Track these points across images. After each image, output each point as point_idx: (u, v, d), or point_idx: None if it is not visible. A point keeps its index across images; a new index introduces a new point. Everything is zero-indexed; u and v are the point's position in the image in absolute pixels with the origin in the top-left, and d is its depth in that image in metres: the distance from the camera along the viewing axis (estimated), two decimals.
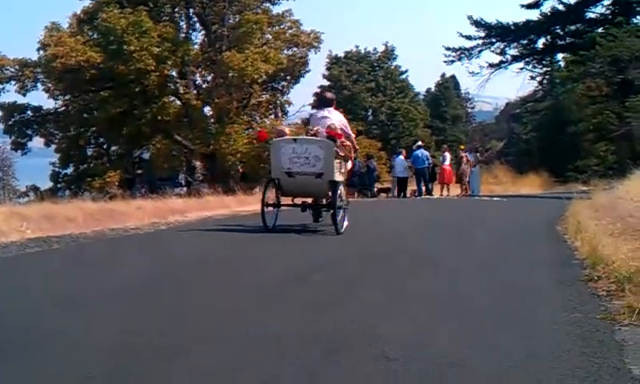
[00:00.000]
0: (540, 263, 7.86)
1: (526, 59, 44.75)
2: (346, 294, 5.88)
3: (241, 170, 31.61)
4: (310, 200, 11.54)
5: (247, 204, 18.59)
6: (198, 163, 33.64)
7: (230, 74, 30.32)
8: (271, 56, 30.58)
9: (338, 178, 11.02)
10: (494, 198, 25.76)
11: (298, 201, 11.60)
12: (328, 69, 62.62)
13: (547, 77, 48.42)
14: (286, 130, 12.33)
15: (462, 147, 33.37)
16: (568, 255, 8.15)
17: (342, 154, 11.27)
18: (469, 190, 30.20)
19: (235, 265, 7.65)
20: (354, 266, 7.53)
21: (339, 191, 10.93)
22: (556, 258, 8.04)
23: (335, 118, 11.60)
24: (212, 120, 31.92)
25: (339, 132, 11.14)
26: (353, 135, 12.08)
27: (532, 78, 47.78)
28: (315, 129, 11.26)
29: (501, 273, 7.15)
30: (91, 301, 5.60)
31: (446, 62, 46.20)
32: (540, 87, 51.39)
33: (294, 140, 11.14)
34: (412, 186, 30.47)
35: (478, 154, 34.77)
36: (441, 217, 16.09)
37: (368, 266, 7.61)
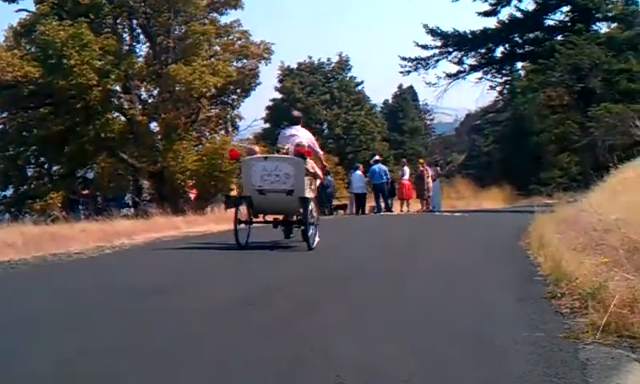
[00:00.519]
0: (501, 280, 7.95)
1: (485, 69, 45.36)
2: (301, 317, 5.89)
3: (193, 196, 31.43)
4: (280, 217, 12.33)
5: (198, 224, 18.55)
6: (145, 182, 33.36)
7: (177, 88, 30.11)
8: (220, 68, 30.47)
9: (309, 194, 11.82)
10: (456, 214, 26.00)
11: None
12: (280, 81, 62.68)
13: (507, 86, 49.08)
14: (257, 148, 13.28)
15: (422, 161, 33.60)
16: (530, 271, 8.27)
17: (312, 171, 12.06)
18: (430, 206, 30.40)
19: (183, 289, 7.61)
20: (310, 287, 7.54)
21: (310, 207, 11.69)
22: (518, 275, 8.15)
23: (303, 135, 12.55)
24: (159, 136, 31.62)
25: (307, 149, 11.95)
26: (321, 152, 13.18)
27: (491, 87, 48.47)
28: (286, 147, 11.98)
29: (460, 291, 7.22)
30: (21, 329, 5.54)
31: (402, 72, 46.72)
32: (500, 97, 52.09)
33: (265, 158, 11.97)
34: (370, 202, 30.59)
35: (438, 168, 35.05)
36: (399, 234, 16.18)
37: (325, 286, 7.63)
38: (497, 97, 52.47)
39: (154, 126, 32.17)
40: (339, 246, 12.62)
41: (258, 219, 12.22)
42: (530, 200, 39.10)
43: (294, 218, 12.16)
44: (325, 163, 14.13)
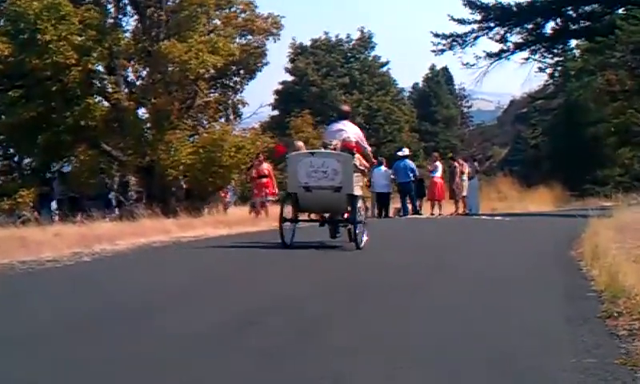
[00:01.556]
0: (548, 296, 7.92)
1: (532, 47, 44.96)
2: (309, 339, 5.88)
3: (184, 186, 31.47)
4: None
5: (192, 228, 18.55)
6: (131, 178, 33.41)
7: (170, 69, 30.15)
8: (220, 46, 30.45)
9: (357, 191, 13.06)
10: (496, 218, 25.90)
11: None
12: (292, 61, 62.80)
13: (558, 68, 48.86)
14: (301, 143, 14.56)
15: (451, 156, 33.65)
16: (582, 286, 8.23)
17: (361, 168, 13.39)
18: (465, 208, 30.32)
19: (175, 308, 7.61)
20: (319, 305, 7.53)
21: (358, 205, 12.93)
22: (568, 290, 8.11)
23: (351, 130, 13.73)
24: (148, 125, 31.68)
25: (354, 145, 13.16)
26: (369, 148, 14.33)
27: (540, 69, 48.15)
28: (335, 143, 13.16)
29: (500, 309, 7.19)
30: None
31: (435, 51, 46.45)
32: (550, 81, 51.89)
33: (312, 153, 13.22)
34: (396, 204, 30.52)
35: (476, 164, 35.02)
36: (428, 241, 16.14)
37: (342, 302, 7.61)
38: (546, 80, 52.34)
39: (142, 112, 32.22)
40: (359, 253, 12.61)
41: (304, 217, 13.65)
42: (584, 202, 39.01)
43: (341, 216, 13.43)
44: (374, 160, 15.63)
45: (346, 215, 13.41)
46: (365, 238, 13.16)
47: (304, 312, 7.07)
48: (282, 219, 13.03)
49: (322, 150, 13.44)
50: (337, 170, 12.78)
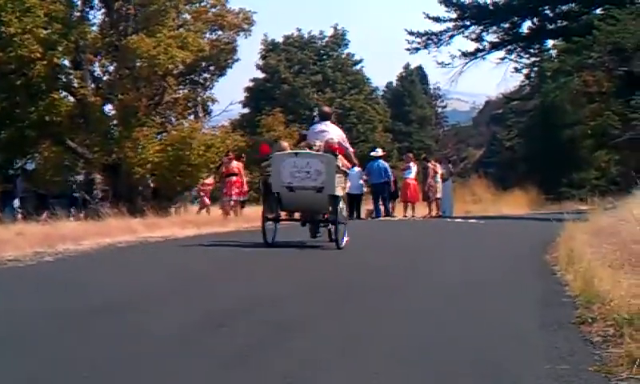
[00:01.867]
0: (522, 301, 7.95)
1: (509, 47, 45.17)
2: (278, 341, 5.87)
3: (152, 185, 31.38)
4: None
5: (159, 228, 18.49)
6: (97, 176, 33.26)
7: (138, 64, 30.03)
8: (190, 41, 30.38)
9: (339, 192, 13.59)
10: (470, 220, 26.01)
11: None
12: (263, 57, 62.76)
13: (535, 69, 49.08)
14: (286, 143, 15.12)
15: (425, 157, 33.72)
16: (557, 291, 8.27)
17: (343, 169, 13.90)
18: (439, 210, 30.40)
19: (139, 307, 7.58)
20: (295, 306, 7.53)
21: (340, 206, 13.60)
22: (542, 295, 8.15)
23: (333, 132, 14.40)
24: (115, 121, 31.55)
25: (338, 146, 13.80)
26: (351, 149, 15.01)
27: (516, 70, 48.33)
28: (317, 144, 13.79)
29: (475, 314, 7.21)
30: None
31: (409, 50, 46.58)
32: (526, 82, 52.14)
33: (296, 154, 13.74)
34: (368, 205, 30.55)
35: (450, 165, 35.09)
36: (401, 243, 16.18)
37: (316, 303, 7.61)
38: (522, 81, 52.59)
39: (109, 108, 32.07)
40: (337, 254, 12.63)
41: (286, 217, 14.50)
42: (559, 206, 39.14)
43: (322, 216, 14.06)
44: (355, 160, 16.07)
45: (326, 215, 13.94)
46: (345, 239, 13.71)
47: (277, 313, 7.06)
48: (265, 218, 13.67)
49: (306, 150, 13.91)
50: (320, 170, 13.36)
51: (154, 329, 6.44)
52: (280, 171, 13.61)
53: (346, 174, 14.32)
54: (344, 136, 14.83)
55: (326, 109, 15.93)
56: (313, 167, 13.44)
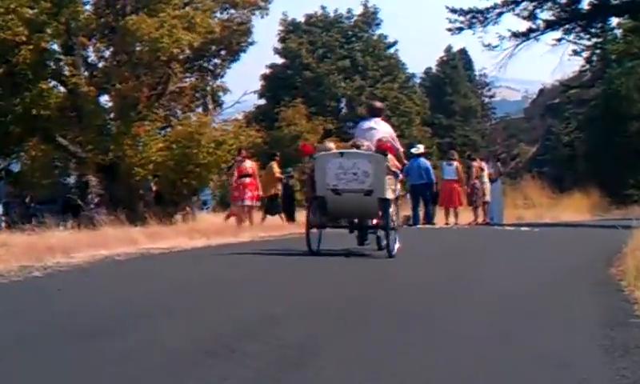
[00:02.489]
0: (583, 322, 7.91)
1: (566, 26, 44.87)
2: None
3: (154, 189, 31.46)
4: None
5: (163, 238, 18.53)
6: (92, 178, 33.36)
7: (138, 48, 30.12)
8: (197, 21, 30.44)
9: (390, 195, 14.08)
10: (523, 228, 25.92)
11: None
12: (282, 40, 62.81)
13: (597, 51, 48.79)
14: (332, 144, 16.00)
15: (469, 154, 33.60)
16: (624, 310, 8.22)
17: (394, 170, 14.50)
18: (486, 216, 30.29)
19: (134, 328, 7.61)
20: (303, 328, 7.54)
21: (391, 210, 14.04)
22: (606, 315, 8.11)
23: (383, 129, 15.23)
24: (112, 115, 31.69)
25: (389, 145, 14.42)
26: (401, 149, 15.88)
27: (575, 53, 48.15)
28: (365, 144, 14.38)
29: (524, 337, 7.17)
30: None
31: (451, 30, 46.50)
32: (587, 67, 51.85)
33: (341, 154, 14.38)
34: (406, 210, 30.51)
35: (499, 164, 34.97)
36: (444, 254, 16.15)
37: (336, 321, 7.62)
38: (582, 66, 52.35)
39: (105, 100, 32.21)
40: (371, 267, 12.63)
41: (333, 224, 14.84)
42: (626, 211, 39.04)
43: (370, 221, 14.71)
44: (405, 161, 17.11)
45: (375, 221, 14.57)
46: (397, 245, 14.24)
47: (287, 337, 7.06)
48: (309, 225, 14.27)
49: (353, 150, 14.48)
50: (368, 171, 13.86)
51: (149, 354, 6.45)
52: (325, 173, 14.07)
53: (396, 176, 14.80)
54: (394, 134, 15.62)
55: (377, 104, 16.82)
56: (360, 168, 13.87)
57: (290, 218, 29.75)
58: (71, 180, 33.71)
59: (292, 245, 15.37)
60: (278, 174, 29.29)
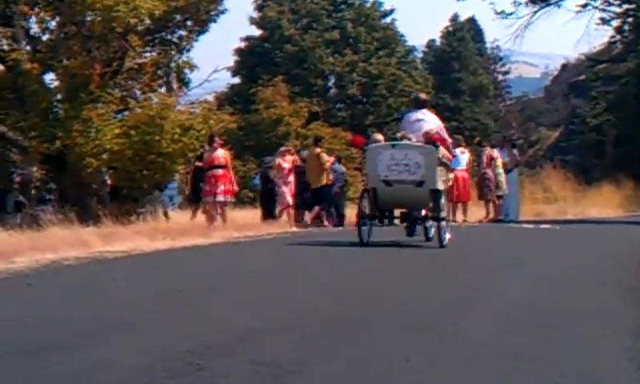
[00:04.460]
0: (611, 333, 7.94)
1: None
2: None
3: (109, 183, 31.41)
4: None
5: (120, 239, 18.53)
6: (36, 171, 33.35)
7: (89, 18, 30.14)
8: None
9: (441, 186, 16.52)
10: (543, 226, 25.96)
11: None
12: (259, 8, 62.79)
13: (629, 19, 48.85)
14: (380, 136, 18.97)
15: (479, 140, 33.62)
16: None
17: (444, 161, 16.83)
18: (499, 212, 30.31)
19: (81, 344, 7.61)
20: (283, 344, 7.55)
21: (442, 201, 16.45)
22: (636, 325, 8.13)
23: (431, 120, 17.43)
24: (59, 96, 31.65)
25: (437, 136, 16.73)
26: (449, 140, 18.15)
27: (603, 21, 48.17)
28: (412, 137, 16.58)
29: (544, 352, 7.20)
30: None
31: None
32: (617, 38, 51.88)
33: (393, 145, 16.68)
34: None
35: (516, 151, 34.94)
36: (453, 258, 16.20)
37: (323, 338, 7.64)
38: (612, 37, 52.39)
39: (50, 79, 32.15)
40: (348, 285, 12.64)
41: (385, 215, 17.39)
42: None
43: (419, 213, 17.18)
44: (453, 152, 19.82)
45: (423, 212, 17.11)
46: (448, 236, 16.56)
47: (263, 353, 7.07)
48: (361, 216, 16.76)
49: (404, 141, 16.62)
50: (419, 163, 16.11)
51: (102, 375, 6.46)
52: (376, 164, 16.45)
53: (447, 167, 17.38)
54: (442, 125, 17.80)
55: (423, 96, 19.44)
56: (412, 159, 16.12)
57: (269, 214, 29.65)
58: (12, 173, 33.64)
59: (270, 246, 15.35)
60: (328, 164, 28.82)
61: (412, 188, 16.18)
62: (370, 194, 16.74)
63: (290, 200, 27.17)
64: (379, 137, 18.50)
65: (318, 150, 28.73)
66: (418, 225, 17.68)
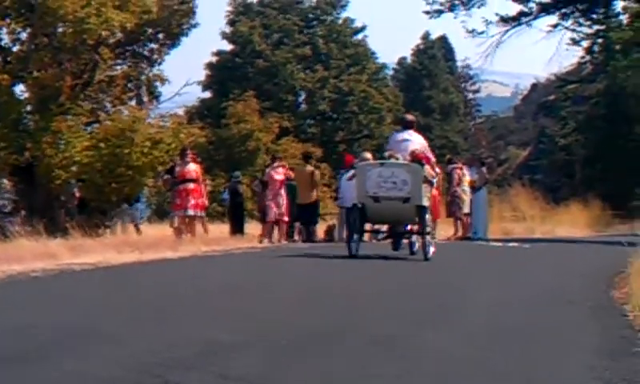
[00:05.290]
0: (582, 351, 7.93)
1: (563, 10, 45.05)
2: None
3: (78, 195, 31.31)
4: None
5: (87, 252, 18.47)
6: (4, 182, 33.23)
7: (60, 29, 30.07)
8: None
9: (426, 202, 17.56)
10: (511, 244, 26.01)
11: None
12: (231, 23, 62.76)
13: (599, 40, 49.05)
14: (369, 154, 20.87)
15: (449, 158, 33.70)
16: (627, 339, 8.26)
17: (429, 179, 17.86)
18: (467, 230, 30.34)
19: (48, 354, 7.55)
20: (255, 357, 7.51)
21: (427, 216, 17.47)
22: (607, 344, 8.14)
23: (416, 140, 18.49)
24: (28, 107, 31.57)
25: (423, 156, 17.77)
26: (433, 159, 19.05)
27: (574, 42, 48.34)
28: (398, 155, 17.68)
29: (512, 370, 7.18)
30: None
31: (429, 13, 46.60)
32: (587, 58, 52.09)
33: (381, 164, 17.87)
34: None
35: (484, 169, 34.98)
36: (418, 275, 16.20)
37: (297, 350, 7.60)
38: (582, 57, 52.63)
39: (20, 90, 32.06)
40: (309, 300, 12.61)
41: (370, 229, 19.38)
42: (631, 226, 39.21)
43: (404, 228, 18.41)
44: (438, 170, 20.30)
45: (409, 227, 18.29)
46: (432, 249, 17.66)
47: (232, 367, 7.03)
48: (350, 232, 18.09)
49: (392, 160, 17.79)
50: (406, 180, 17.18)
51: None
52: (365, 181, 17.52)
53: (431, 184, 18.21)
54: (426, 145, 18.99)
55: (410, 117, 20.61)
56: (399, 177, 17.20)
57: (238, 229, 29.62)
58: None
59: (238, 261, 15.30)
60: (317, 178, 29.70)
61: (399, 204, 17.27)
62: (358, 209, 17.67)
63: (275, 214, 27.09)
64: (368, 155, 20.60)
65: (310, 167, 30.00)
66: (404, 239, 18.71)
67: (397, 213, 17.63)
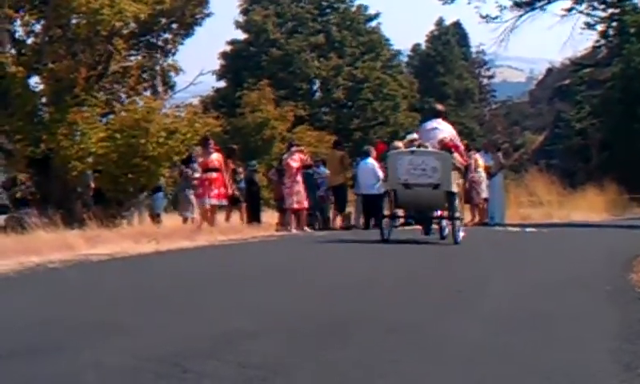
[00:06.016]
0: (599, 337, 7.90)
1: None
2: None
3: (94, 186, 31.31)
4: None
5: (104, 242, 18.48)
6: (20, 175, 33.26)
7: (75, 21, 30.05)
8: None
9: (455, 189, 18.62)
10: (528, 229, 25.96)
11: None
12: (244, 12, 62.68)
13: (613, 25, 48.87)
14: (400, 143, 21.60)
15: (466, 144, 33.64)
16: None
17: (459, 166, 19.06)
18: (485, 215, 30.28)
19: (70, 346, 7.56)
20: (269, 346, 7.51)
21: (456, 202, 18.65)
22: (624, 329, 8.10)
23: (445, 129, 19.48)
24: (44, 100, 31.55)
25: (452, 144, 18.78)
26: (462, 147, 20.56)
27: (588, 26, 48.20)
28: (428, 144, 18.67)
29: (529, 352, 7.17)
30: None
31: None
32: (602, 42, 51.89)
33: (412, 152, 18.71)
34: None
35: (500, 155, 34.92)
36: (436, 262, 16.16)
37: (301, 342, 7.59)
38: (597, 41, 52.42)
39: (35, 82, 32.06)
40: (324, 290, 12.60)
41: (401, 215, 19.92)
42: None
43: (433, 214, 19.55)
44: (467, 159, 22.30)
45: (439, 212, 19.44)
46: (461, 234, 18.65)
47: (252, 355, 7.03)
48: (382, 215, 19.28)
49: (422, 148, 18.67)
50: (436, 167, 18.11)
51: (88, 377, 6.40)
52: (396, 168, 18.54)
53: (461, 171, 19.71)
54: (455, 133, 20.01)
55: (439, 106, 22.23)
56: (429, 164, 18.13)
57: (254, 218, 29.63)
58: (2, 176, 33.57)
59: (256, 249, 15.30)
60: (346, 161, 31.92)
61: (429, 190, 18.28)
62: (390, 195, 18.94)
63: (292, 202, 27.02)
64: (399, 144, 21.39)
65: (340, 152, 31.91)
66: (434, 225, 19.97)
67: (427, 199, 18.57)
